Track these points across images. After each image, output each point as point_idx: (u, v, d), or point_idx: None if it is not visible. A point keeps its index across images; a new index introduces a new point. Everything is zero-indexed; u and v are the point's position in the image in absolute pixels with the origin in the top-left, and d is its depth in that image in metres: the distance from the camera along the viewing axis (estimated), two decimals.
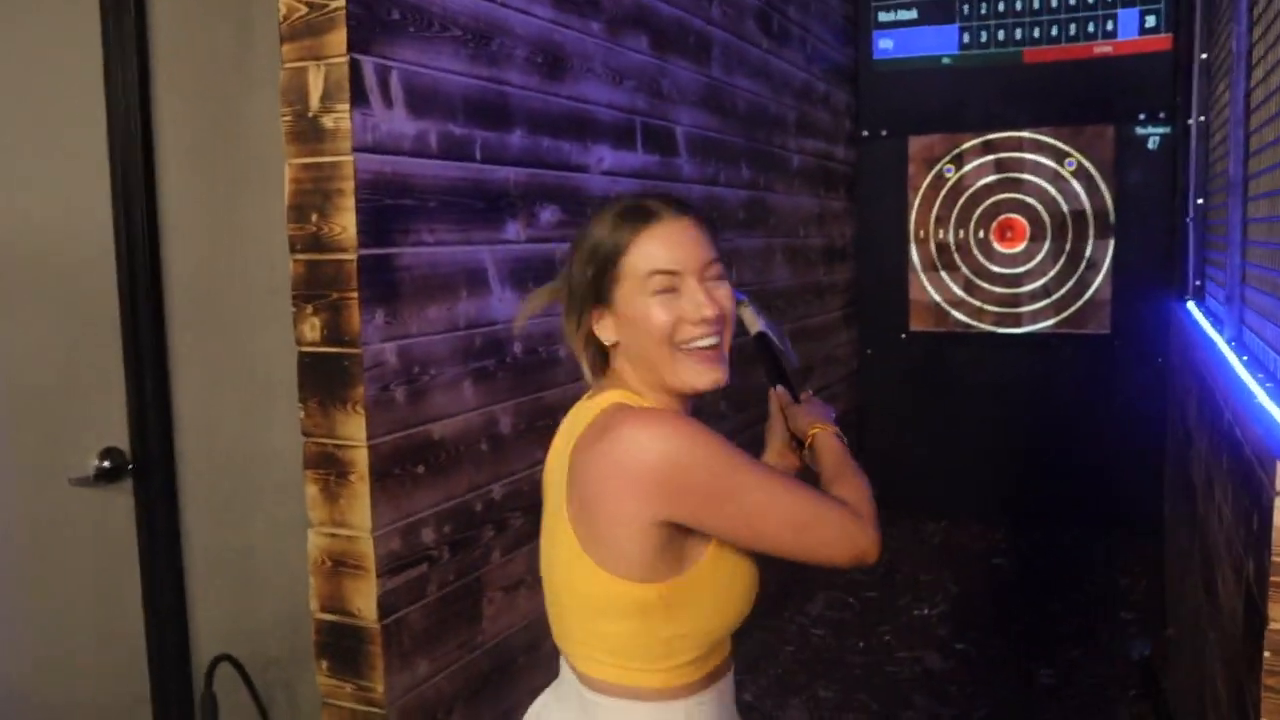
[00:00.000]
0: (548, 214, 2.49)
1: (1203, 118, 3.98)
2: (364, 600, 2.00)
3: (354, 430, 1.96)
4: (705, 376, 1.34)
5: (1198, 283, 3.95)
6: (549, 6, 2.47)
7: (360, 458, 1.97)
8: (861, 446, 5.22)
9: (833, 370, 4.81)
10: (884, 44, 5.04)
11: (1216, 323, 3.02)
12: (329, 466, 1.99)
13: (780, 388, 1.69)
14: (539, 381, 2.47)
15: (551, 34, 2.48)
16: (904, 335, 5.14)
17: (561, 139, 2.54)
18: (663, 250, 1.31)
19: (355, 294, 1.92)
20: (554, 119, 2.51)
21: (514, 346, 2.37)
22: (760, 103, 3.83)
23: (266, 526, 2.15)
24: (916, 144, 5.04)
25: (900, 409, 5.18)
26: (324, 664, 2.05)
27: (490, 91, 2.27)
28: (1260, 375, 2.08)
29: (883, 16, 5.03)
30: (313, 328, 1.97)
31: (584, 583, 1.26)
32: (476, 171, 2.23)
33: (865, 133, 5.09)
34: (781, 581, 4.07)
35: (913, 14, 4.98)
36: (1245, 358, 2.34)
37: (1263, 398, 1.74)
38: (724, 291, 1.36)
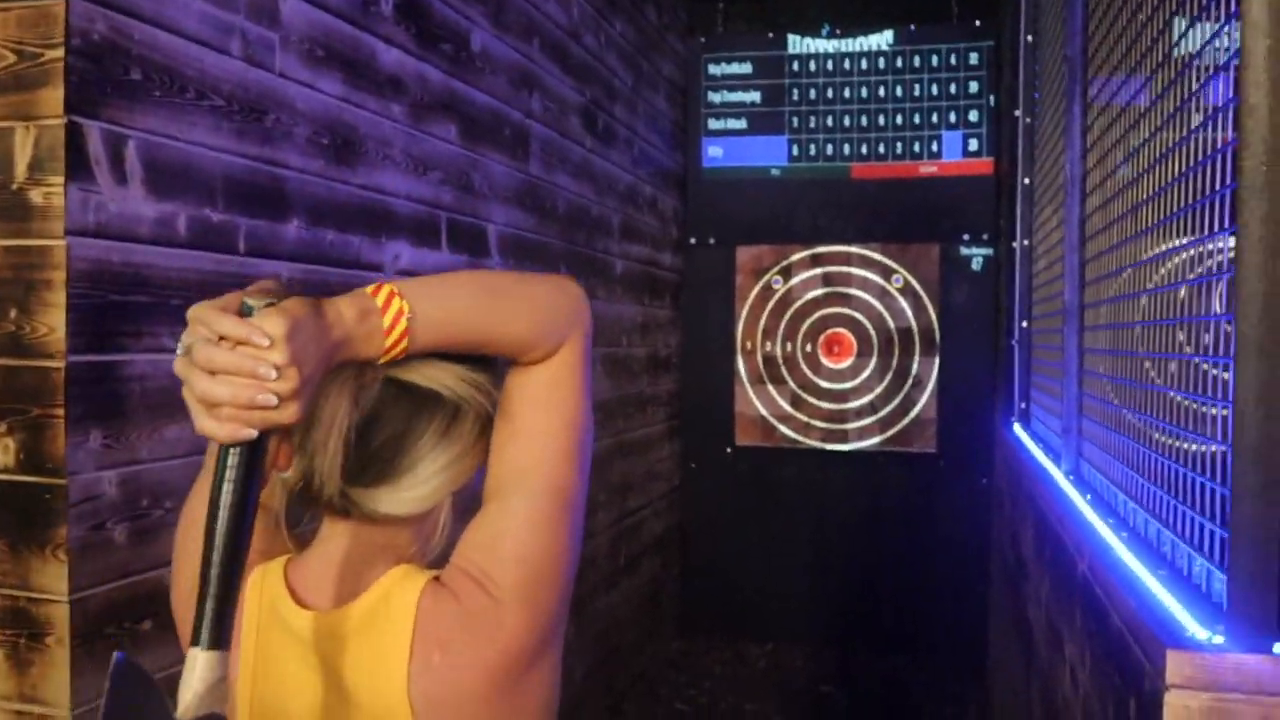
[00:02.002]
0: None
1: (1026, 241, 3.98)
2: None
3: (53, 580, 1.56)
4: None
5: (1023, 405, 3.89)
6: (339, 83, 2.18)
7: (60, 615, 1.57)
8: (684, 565, 4.96)
9: (654, 486, 4.56)
10: (713, 151, 4.94)
11: (1050, 451, 2.91)
12: (19, 625, 1.58)
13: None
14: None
15: (341, 113, 2.19)
16: (729, 450, 4.94)
17: (350, 232, 2.23)
18: None
19: (62, 410, 1.54)
20: (341, 209, 2.20)
21: None
22: (582, 204, 3.61)
23: None
24: (745, 254, 4.93)
25: (724, 526, 4.96)
26: None
27: (261, 173, 1.95)
28: (1111, 521, 1.92)
29: (713, 124, 4.94)
30: (5, 450, 1.57)
31: None
32: (239, 265, 1.89)
33: (693, 240, 4.95)
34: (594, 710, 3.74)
35: (742, 124, 4.92)
36: (1089, 496, 2.19)
37: (1134, 564, 1.55)
38: None
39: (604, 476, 3.87)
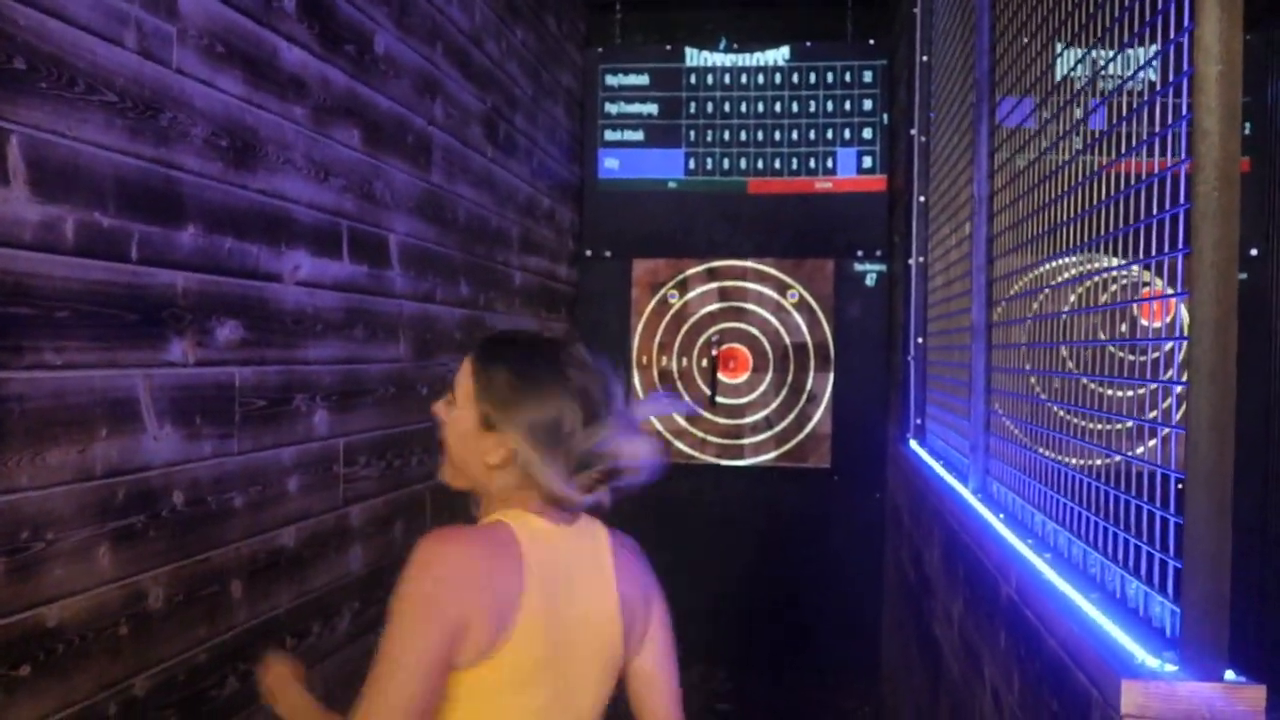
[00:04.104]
0: (226, 330, 2.03)
1: (922, 258, 4.03)
2: None
3: None
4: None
5: (918, 421, 3.94)
6: (240, 82, 2.05)
7: None
8: None
9: None
10: (610, 163, 4.90)
11: (954, 469, 2.94)
12: None
13: None
14: (206, 539, 1.98)
15: (242, 115, 2.06)
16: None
17: (249, 240, 2.10)
18: None
19: None
20: (240, 215, 2.07)
21: (174, 497, 1.88)
22: (483, 215, 3.51)
23: None
24: (641, 267, 4.89)
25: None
26: None
27: (155, 176, 1.81)
28: (1031, 542, 1.92)
29: (609, 135, 4.90)
30: None
31: None
32: (130, 274, 1.75)
33: (589, 253, 4.89)
34: None
35: (639, 135, 4.88)
36: (1002, 516, 2.20)
37: (1067, 589, 1.54)
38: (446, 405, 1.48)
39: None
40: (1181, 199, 1.24)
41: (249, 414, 2.07)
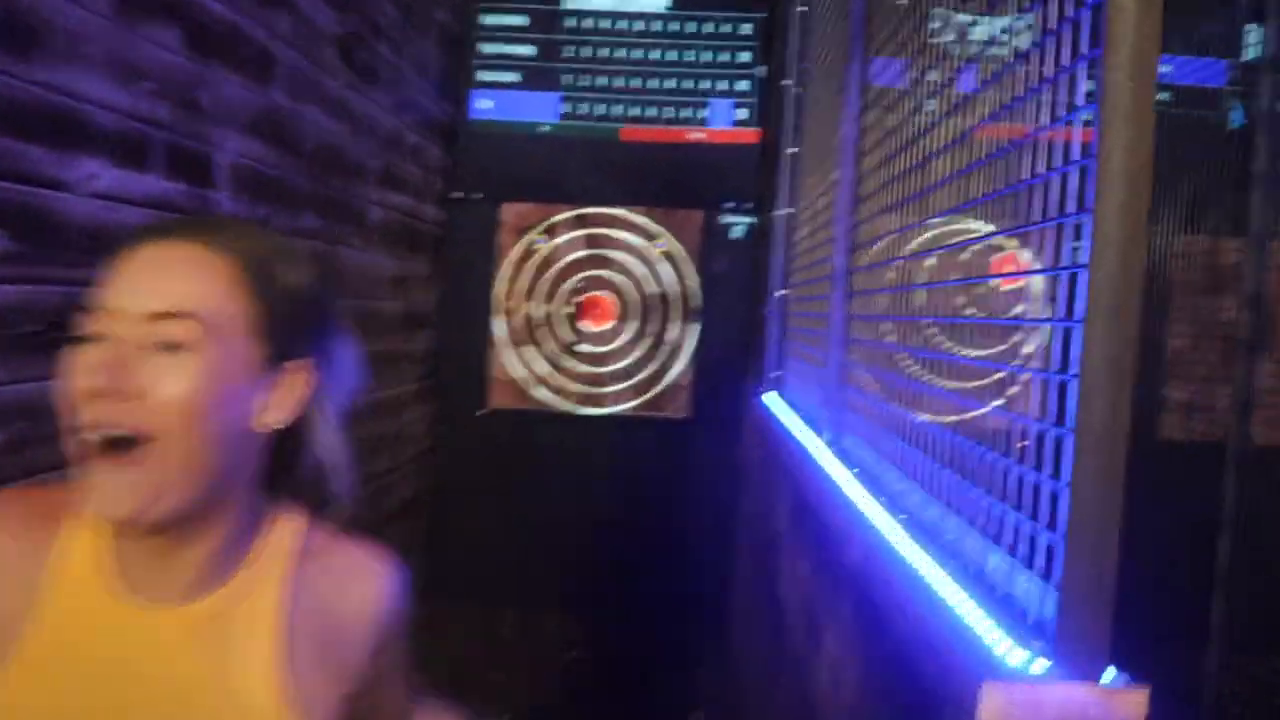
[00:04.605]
0: None
1: (790, 210, 3.81)
2: None
3: None
4: (102, 498, 0.83)
5: (777, 374, 3.74)
6: None
7: None
8: (434, 530, 4.58)
9: (404, 448, 4.16)
10: (482, 104, 4.54)
11: (809, 420, 2.73)
12: None
13: None
14: None
15: None
16: (482, 412, 4.59)
17: (26, 140, 1.73)
18: (109, 285, 0.88)
19: None
20: (14, 111, 1.69)
21: None
22: (335, 144, 3.14)
23: None
24: (509, 211, 4.56)
25: (477, 491, 4.61)
26: None
27: None
28: (884, 501, 1.71)
29: (483, 75, 4.53)
30: None
31: None
32: None
33: (458, 194, 4.53)
34: None
35: (515, 77, 4.53)
36: (856, 470, 1.99)
37: (922, 562, 1.32)
38: (166, 367, 0.86)
39: (352, 436, 3.44)
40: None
41: (15, 339, 1.71)
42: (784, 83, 3.88)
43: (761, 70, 4.47)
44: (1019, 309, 1.66)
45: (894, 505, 1.68)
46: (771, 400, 3.54)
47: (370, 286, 3.57)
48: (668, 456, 4.55)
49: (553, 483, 4.57)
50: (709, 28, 4.50)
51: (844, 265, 2.31)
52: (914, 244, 1.82)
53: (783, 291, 3.73)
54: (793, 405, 3.20)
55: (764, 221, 4.36)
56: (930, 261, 1.86)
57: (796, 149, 3.78)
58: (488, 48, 4.52)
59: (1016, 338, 1.58)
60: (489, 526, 4.59)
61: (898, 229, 1.92)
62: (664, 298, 4.54)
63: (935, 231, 1.81)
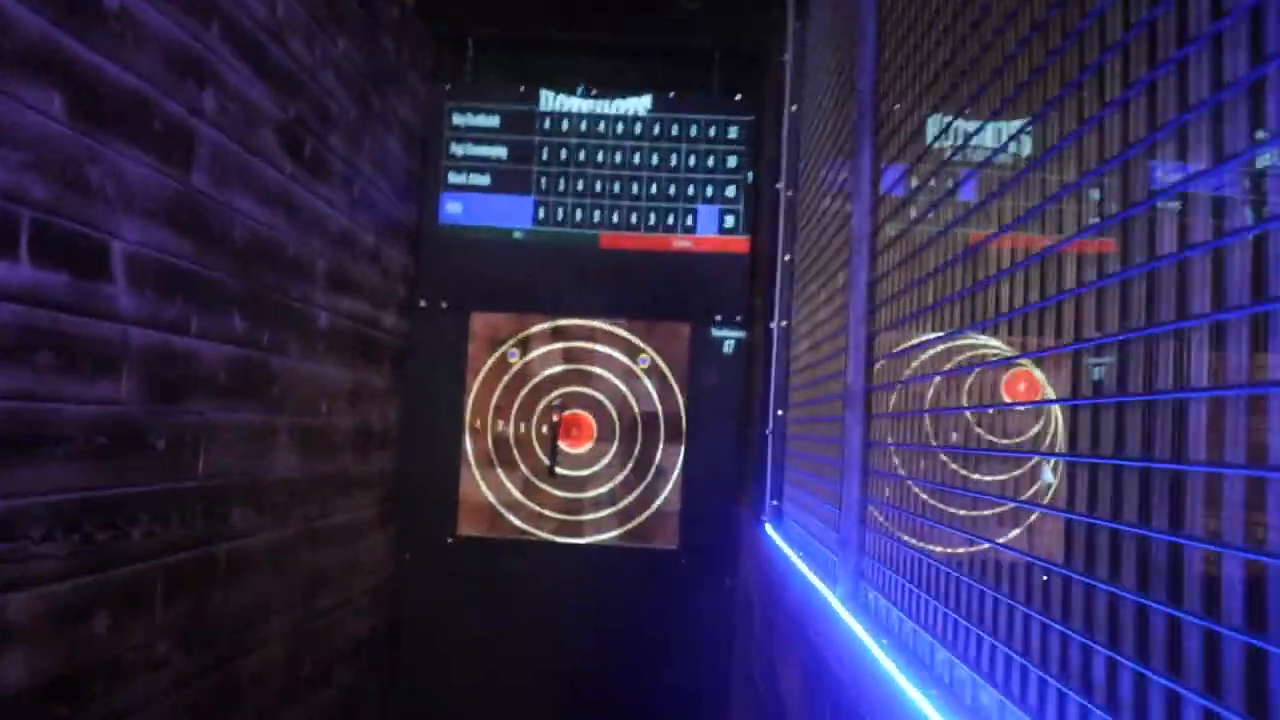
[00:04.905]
0: None
1: (784, 322, 3.45)
2: None
3: None
4: None
5: (775, 503, 3.32)
6: None
7: None
8: (393, 670, 4.07)
9: (357, 580, 3.69)
10: (452, 207, 4.21)
11: (816, 565, 2.30)
12: None
13: None
14: None
15: None
16: (451, 539, 4.13)
17: None
18: None
19: None
20: None
21: None
22: (274, 239, 2.78)
23: None
24: (480, 321, 4.19)
25: (443, 625, 4.11)
26: None
27: None
28: (924, 678, 1.28)
29: (454, 178, 4.22)
30: None
31: None
32: None
33: (423, 303, 4.17)
34: None
35: (486, 179, 4.22)
36: (885, 642, 1.55)
37: None
38: None
39: (282, 573, 2.99)
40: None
41: None
42: (776, 185, 3.56)
43: (750, 176, 4.17)
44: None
45: (931, 678, 1.25)
46: (772, 533, 3.11)
47: (317, 400, 3.17)
48: (654, 590, 4.08)
49: (527, 618, 4.09)
50: (694, 130, 4.22)
51: (860, 384, 1.92)
52: (956, 355, 1.44)
53: (780, 412, 3.34)
54: (794, 542, 2.77)
55: (755, 335, 3.99)
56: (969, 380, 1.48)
57: (789, 255, 3.44)
58: (458, 148, 4.22)
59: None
60: (455, 665, 4.08)
61: (925, 340, 1.54)
62: (649, 417, 4.14)
63: (969, 341, 1.44)
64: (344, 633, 3.57)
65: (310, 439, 3.13)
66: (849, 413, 1.93)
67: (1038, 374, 3.30)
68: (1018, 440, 2.72)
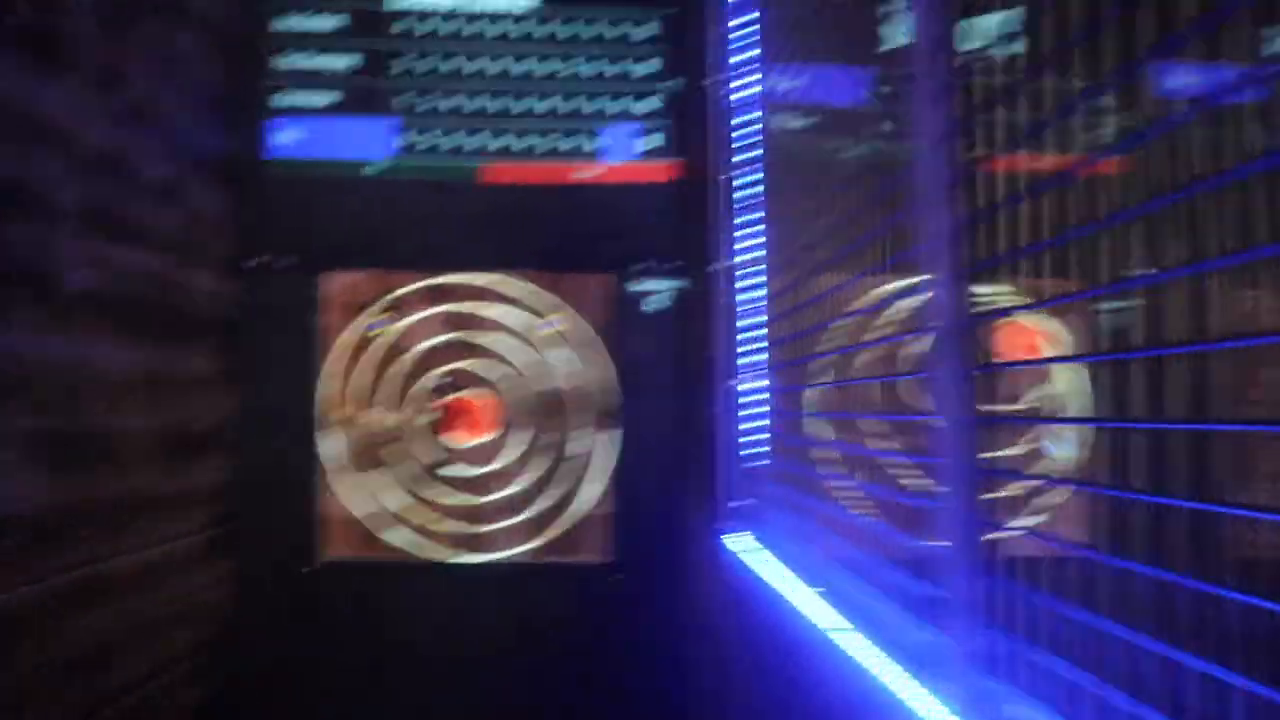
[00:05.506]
0: None
1: (723, 263, 2.56)
2: None
3: None
4: None
5: (736, 503, 2.43)
6: None
7: None
8: None
9: (180, 636, 2.70)
10: (285, 136, 3.20)
11: (823, 583, 1.41)
12: None
13: None
14: None
15: None
16: (309, 569, 3.14)
17: None
18: None
19: None
20: None
21: None
22: None
23: None
24: (334, 283, 3.19)
25: (304, 684, 3.12)
26: None
27: None
28: None
29: (284, 99, 3.21)
30: None
31: None
32: None
33: (253, 261, 3.15)
34: None
35: (329, 98, 3.22)
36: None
37: None
38: None
39: (42, 648, 2.00)
40: None
41: None
42: (704, 82, 2.65)
43: (676, 83, 3.26)
44: None
45: None
46: (743, 545, 2.22)
47: (75, 394, 2.16)
48: (582, 617, 3.16)
49: (419, 664, 3.13)
50: (594, 31, 3.29)
51: (954, 303, 1.03)
52: None
53: (734, 382, 2.45)
54: (777, 549, 1.88)
55: (698, 281, 3.09)
56: None
57: (727, 175, 2.55)
58: (286, 60, 3.21)
59: None
60: None
61: None
62: (562, 396, 3.21)
63: None
64: (159, 714, 2.58)
65: (74, 452, 2.13)
66: (942, 355, 1.05)
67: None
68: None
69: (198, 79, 2.83)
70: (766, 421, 2.28)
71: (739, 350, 2.36)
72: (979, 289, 1.09)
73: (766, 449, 2.26)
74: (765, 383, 2.33)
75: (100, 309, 2.25)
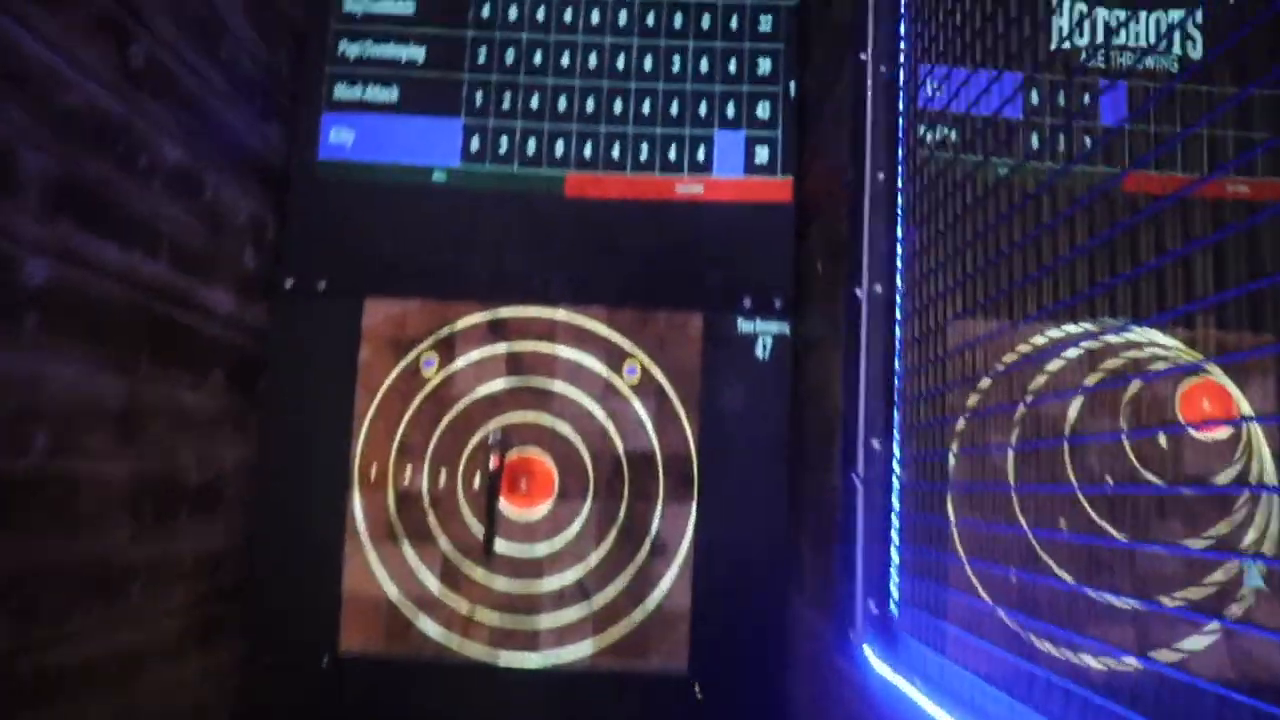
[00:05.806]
0: None
1: (878, 287, 1.99)
2: None
3: None
4: None
5: (875, 603, 1.83)
6: None
7: None
8: None
9: None
10: (340, 135, 2.72)
11: None
12: None
13: None
14: None
15: None
16: (328, 662, 2.58)
17: None
18: None
19: None
20: None
21: None
22: None
23: None
24: (377, 312, 2.68)
25: None
26: None
27: None
28: None
29: (343, 92, 2.74)
30: None
31: None
32: None
33: (290, 281, 2.65)
34: None
35: (392, 95, 2.74)
36: None
37: None
38: None
39: None
40: None
41: None
42: (861, 56, 2.10)
43: (789, 86, 2.73)
44: None
45: None
46: (875, 661, 1.61)
47: (14, 423, 1.64)
48: None
49: None
50: (706, 21, 2.78)
51: None
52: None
53: (874, 442, 1.85)
54: (927, 680, 1.28)
55: (806, 328, 2.51)
56: None
57: (882, 175, 2.00)
58: (351, 47, 2.75)
59: None
60: None
61: None
62: (640, 460, 2.63)
63: None
64: None
65: (21, 499, 1.61)
66: None
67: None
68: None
69: (244, 60, 2.36)
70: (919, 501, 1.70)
71: (895, 399, 1.77)
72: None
73: (924, 537, 1.67)
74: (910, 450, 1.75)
75: (71, 317, 1.74)
